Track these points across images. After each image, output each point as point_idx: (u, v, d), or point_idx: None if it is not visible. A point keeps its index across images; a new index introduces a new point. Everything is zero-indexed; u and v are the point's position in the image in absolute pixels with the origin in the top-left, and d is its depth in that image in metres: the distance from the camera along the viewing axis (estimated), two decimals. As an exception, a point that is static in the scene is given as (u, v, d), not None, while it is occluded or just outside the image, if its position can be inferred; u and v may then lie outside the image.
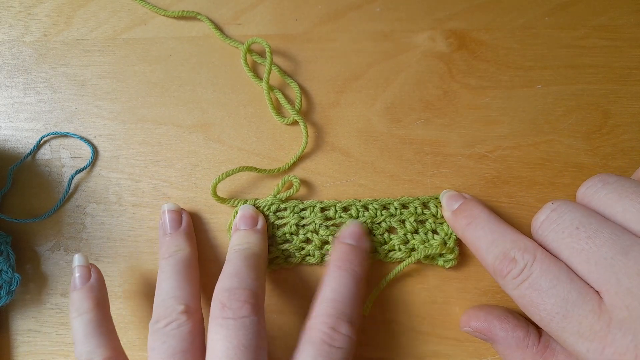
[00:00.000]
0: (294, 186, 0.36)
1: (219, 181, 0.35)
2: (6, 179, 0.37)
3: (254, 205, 0.36)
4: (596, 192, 0.27)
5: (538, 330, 0.32)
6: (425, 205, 0.36)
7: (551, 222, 0.27)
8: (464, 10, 0.39)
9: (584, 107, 0.38)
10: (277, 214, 0.36)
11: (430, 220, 0.36)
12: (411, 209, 0.36)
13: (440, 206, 0.36)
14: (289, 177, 0.36)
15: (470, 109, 0.38)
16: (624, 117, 0.37)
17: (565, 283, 0.25)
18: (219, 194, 0.36)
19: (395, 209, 0.36)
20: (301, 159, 0.37)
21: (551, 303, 0.25)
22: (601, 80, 0.38)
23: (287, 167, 0.37)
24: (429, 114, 0.38)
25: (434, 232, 0.36)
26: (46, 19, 0.40)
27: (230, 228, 0.36)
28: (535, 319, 0.26)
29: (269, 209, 0.36)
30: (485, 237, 0.30)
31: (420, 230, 0.36)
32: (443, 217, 0.35)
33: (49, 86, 0.39)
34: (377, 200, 0.36)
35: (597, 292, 0.24)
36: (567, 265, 0.26)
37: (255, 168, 0.36)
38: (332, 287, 0.31)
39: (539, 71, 0.38)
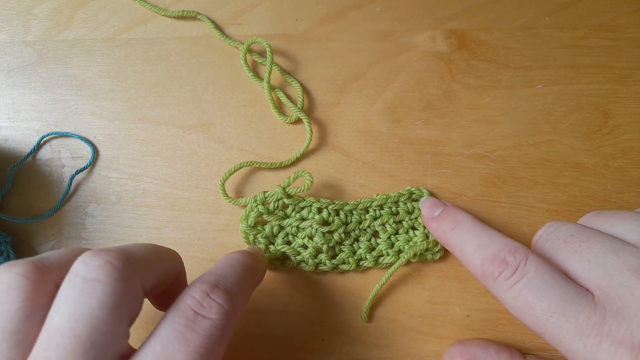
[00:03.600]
0: (306, 183, 0.35)
1: (225, 180, 0.36)
2: (6, 179, 0.37)
3: (264, 197, 0.35)
4: (588, 219, 0.30)
5: (521, 353, 0.33)
6: (396, 203, 0.36)
7: (548, 234, 0.28)
8: (464, 10, 0.39)
9: (584, 107, 0.38)
10: (284, 211, 0.36)
11: (406, 218, 0.36)
12: (386, 209, 0.36)
13: (409, 200, 0.36)
14: (302, 173, 0.35)
15: (470, 109, 0.38)
16: (624, 117, 0.37)
17: (561, 281, 0.25)
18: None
19: (375, 210, 0.36)
20: (301, 158, 0.37)
21: (548, 301, 0.25)
22: (601, 80, 0.38)
23: (290, 162, 0.37)
24: (429, 114, 0.38)
25: (413, 228, 0.36)
26: (46, 19, 0.40)
27: (242, 219, 0.35)
28: (529, 321, 0.26)
29: (276, 204, 0.35)
30: (471, 240, 0.30)
31: (400, 231, 0.36)
32: (418, 219, 0.36)
33: (49, 86, 0.39)
34: (360, 202, 0.36)
35: (588, 291, 0.25)
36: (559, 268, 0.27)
37: (257, 162, 0.36)
38: (215, 265, 0.28)
39: (539, 71, 0.38)
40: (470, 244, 0.29)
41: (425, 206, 0.35)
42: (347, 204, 0.36)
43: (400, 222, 0.36)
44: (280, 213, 0.36)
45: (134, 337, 0.24)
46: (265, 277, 0.36)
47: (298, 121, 0.38)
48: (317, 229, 0.35)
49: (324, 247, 0.35)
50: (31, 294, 0.22)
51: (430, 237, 0.35)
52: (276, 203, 0.35)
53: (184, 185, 0.37)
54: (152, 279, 0.25)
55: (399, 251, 0.35)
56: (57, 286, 0.23)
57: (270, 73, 0.37)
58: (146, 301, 0.27)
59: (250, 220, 0.35)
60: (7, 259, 0.35)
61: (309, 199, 0.36)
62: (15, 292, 0.22)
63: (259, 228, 0.35)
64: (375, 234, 0.36)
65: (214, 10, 0.40)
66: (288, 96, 0.38)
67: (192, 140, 0.38)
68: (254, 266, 0.30)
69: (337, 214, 0.36)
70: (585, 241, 0.26)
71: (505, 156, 0.37)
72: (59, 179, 0.38)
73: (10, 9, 0.40)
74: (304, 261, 0.35)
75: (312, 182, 0.35)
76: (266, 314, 0.35)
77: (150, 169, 0.38)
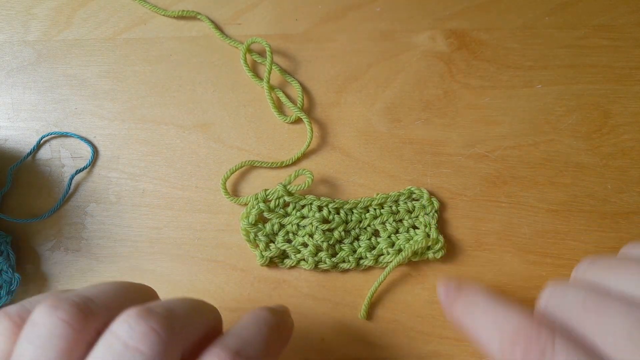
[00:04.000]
0: (306, 181, 0.36)
1: (226, 178, 0.36)
2: (6, 179, 0.37)
3: (265, 195, 0.35)
4: (586, 271, 0.26)
5: None
6: (396, 202, 0.36)
7: (555, 300, 0.25)
8: (464, 10, 0.39)
9: (584, 107, 0.38)
10: (284, 209, 0.36)
11: (407, 217, 0.36)
12: (386, 208, 0.36)
13: (409, 200, 0.36)
14: (303, 171, 0.36)
15: (470, 109, 0.38)
16: (624, 117, 0.37)
17: None
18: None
19: (375, 209, 0.36)
20: (301, 158, 0.37)
21: None
22: (601, 80, 0.38)
23: (290, 162, 0.37)
24: (429, 113, 0.38)
25: (414, 227, 0.36)
26: (46, 19, 0.40)
27: (243, 217, 0.36)
28: None
29: (277, 202, 0.36)
30: (486, 317, 0.25)
31: (400, 229, 0.36)
32: (418, 218, 0.36)
33: (49, 86, 0.39)
34: (360, 201, 0.36)
35: None
36: None
37: (259, 162, 0.36)
38: (239, 324, 0.25)
39: (539, 71, 0.38)
40: (486, 321, 0.25)
41: (441, 294, 0.30)
42: (348, 202, 0.36)
43: (400, 221, 0.36)
44: (281, 211, 0.36)
45: None
46: (265, 276, 0.36)
47: (298, 121, 0.38)
48: (317, 227, 0.35)
49: (324, 245, 0.35)
50: (71, 344, 0.21)
51: (430, 235, 0.35)
52: (277, 201, 0.36)
53: (184, 185, 0.37)
54: (191, 343, 0.23)
55: (400, 250, 0.35)
56: (98, 333, 0.21)
57: (270, 73, 0.37)
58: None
59: (251, 218, 0.35)
60: (7, 259, 0.35)
61: (309, 197, 0.36)
62: (56, 340, 0.20)
63: (259, 226, 0.35)
64: (376, 233, 0.36)
65: (214, 10, 0.40)
66: (288, 96, 0.38)
67: (192, 140, 0.38)
68: (282, 325, 0.26)
69: (338, 212, 0.36)
70: (602, 310, 0.22)
71: (505, 156, 0.37)
72: (59, 179, 0.38)
73: (10, 8, 0.40)
74: (304, 259, 0.35)
75: (312, 179, 0.35)
76: (266, 314, 0.35)
77: (150, 169, 0.38)
